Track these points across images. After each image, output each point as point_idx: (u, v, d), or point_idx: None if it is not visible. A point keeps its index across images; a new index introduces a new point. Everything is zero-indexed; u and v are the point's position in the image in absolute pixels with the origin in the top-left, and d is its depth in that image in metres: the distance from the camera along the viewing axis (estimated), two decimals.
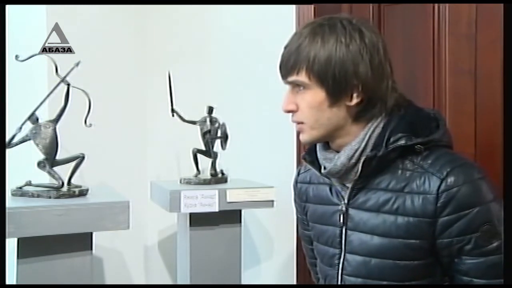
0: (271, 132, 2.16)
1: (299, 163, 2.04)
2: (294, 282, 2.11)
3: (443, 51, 1.75)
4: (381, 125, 1.09)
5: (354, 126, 1.09)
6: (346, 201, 1.13)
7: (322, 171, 1.15)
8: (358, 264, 1.10)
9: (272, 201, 1.88)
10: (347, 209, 1.13)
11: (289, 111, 1.10)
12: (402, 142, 1.04)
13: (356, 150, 1.08)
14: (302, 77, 1.06)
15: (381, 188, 1.07)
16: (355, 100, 1.06)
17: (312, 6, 1.97)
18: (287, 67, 1.08)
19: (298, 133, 1.14)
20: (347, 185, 1.13)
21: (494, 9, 1.61)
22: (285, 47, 1.09)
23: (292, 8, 2.05)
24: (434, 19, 1.77)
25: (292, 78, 1.07)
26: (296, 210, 1.37)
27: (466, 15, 1.69)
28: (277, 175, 2.05)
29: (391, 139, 1.05)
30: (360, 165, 1.07)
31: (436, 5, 1.76)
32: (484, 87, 1.66)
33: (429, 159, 1.05)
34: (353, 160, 1.08)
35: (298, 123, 1.11)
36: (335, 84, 1.04)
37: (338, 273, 1.14)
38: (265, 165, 2.16)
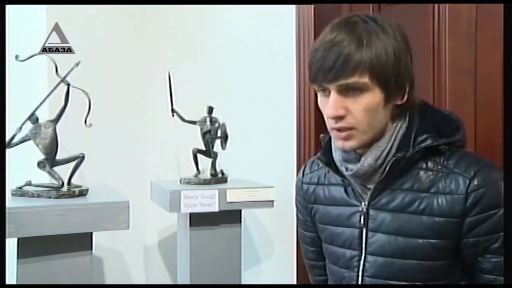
0: (271, 132, 2.16)
1: (299, 163, 2.04)
2: (294, 282, 2.10)
3: (443, 51, 1.75)
4: (404, 125, 1.08)
5: (389, 126, 1.09)
6: (367, 202, 1.11)
7: (346, 172, 1.12)
8: (381, 265, 1.09)
9: (272, 201, 1.88)
10: (367, 210, 1.11)
11: (339, 117, 1.02)
12: (428, 142, 1.04)
13: (383, 151, 1.07)
14: (364, 79, 0.99)
15: (404, 189, 1.07)
16: (405, 98, 1.06)
17: (312, 6, 1.97)
18: (343, 69, 0.98)
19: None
20: (369, 186, 1.11)
21: (494, 9, 1.61)
22: (326, 49, 1.00)
23: (292, 8, 2.05)
24: (434, 19, 1.77)
25: (351, 80, 0.99)
26: (297, 210, 1.35)
27: (466, 15, 1.69)
28: (277, 175, 2.06)
29: (418, 140, 1.05)
30: (387, 166, 1.06)
31: (436, 5, 1.76)
32: (484, 87, 1.66)
33: (452, 159, 1.05)
34: (380, 161, 1.07)
35: (347, 129, 1.04)
36: (396, 83, 1.02)
37: (358, 275, 1.13)
38: (265, 165, 2.16)
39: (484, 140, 1.65)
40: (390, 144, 1.07)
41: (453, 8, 1.72)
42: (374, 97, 1.01)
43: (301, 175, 1.32)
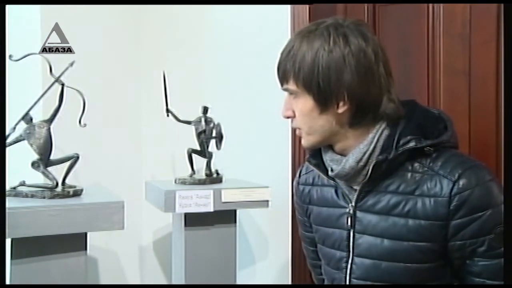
0: (266, 132, 2.16)
1: (294, 163, 2.04)
2: (289, 282, 2.11)
3: (438, 51, 1.76)
4: (389, 127, 1.07)
5: (352, 131, 1.08)
6: (353, 203, 1.11)
7: (330, 173, 1.13)
8: (368, 267, 1.09)
9: (267, 201, 1.88)
10: (354, 212, 1.11)
11: (287, 117, 1.12)
12: (412, 144, 1.03)
13: (365, 153, 1.07)
14: (291, 85, 1.07)
15: (390, 191, 1.06)
16: (341, 109, 1.04)
17: (307, 6, 1.97)
18: (279, 76, 1.10)
19: (293, 134, 1.14)
20: (355, 187, 1.11)
21: (488, 9, 1.62)
22: (280, 54, 1.10)
23: (287, 8, 2.05)
24: (429, 19, 1.77)
25: (284, 86, 1.09)
26: (296, 211, 1.35)
27: (460, 15, 1.69)
28: (272, 175, 2.06)
29: (401, 142, 1.04)
30: (369, 168, 1.05)
31: (430, 5, 1.76)
32: (478, 87, 1.67)
33: (438, 161, 1.04)
34: (362, 163, 1.07)
35: (296, 129, 1.12)
36: (320, 92, 1.03)
37: (346, 276, 1.13)
38: (260, 165, 2.16)
39: (478, 140, 1.66)
40: (372, 146, 1.06)
41: (448, 8, 1.72)
42: (305, 102, 1.06)
43: (298, 176, 1.32)
